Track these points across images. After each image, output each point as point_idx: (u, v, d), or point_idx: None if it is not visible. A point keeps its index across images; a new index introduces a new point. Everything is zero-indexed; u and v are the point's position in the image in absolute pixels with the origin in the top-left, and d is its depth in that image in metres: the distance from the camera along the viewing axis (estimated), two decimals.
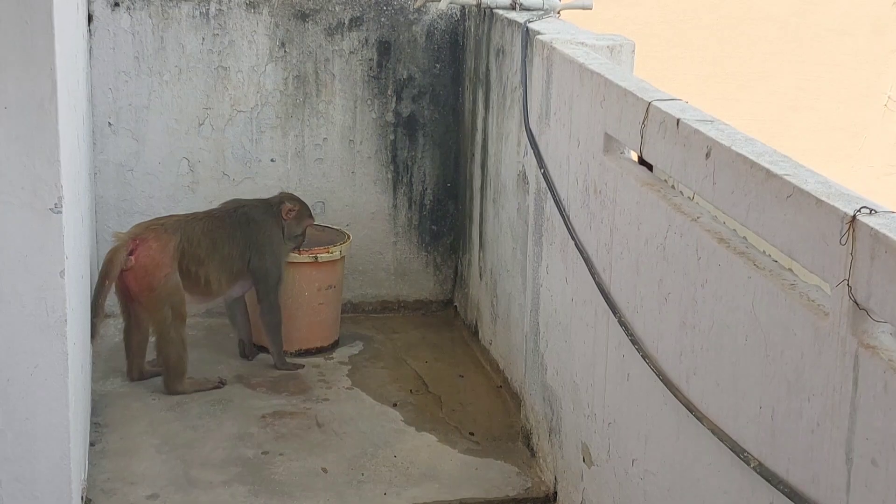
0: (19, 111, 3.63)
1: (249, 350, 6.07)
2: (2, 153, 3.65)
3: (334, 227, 6.46)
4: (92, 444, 5.07)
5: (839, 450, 2.78)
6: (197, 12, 6.26)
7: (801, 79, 8.51)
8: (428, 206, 6.76)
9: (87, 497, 4.61)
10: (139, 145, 6.32)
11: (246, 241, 5.76)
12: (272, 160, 6.49)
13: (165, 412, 5.44)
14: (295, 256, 6.04)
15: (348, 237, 6.31)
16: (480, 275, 6.31)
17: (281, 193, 6.04)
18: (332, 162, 6.57)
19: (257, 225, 5.79)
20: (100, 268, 5.53)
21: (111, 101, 6.24)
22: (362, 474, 4.97)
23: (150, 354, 5.72)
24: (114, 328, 6.32)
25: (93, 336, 5.30)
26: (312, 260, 6.06)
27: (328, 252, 6.11)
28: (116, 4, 6.16)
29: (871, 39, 8.58)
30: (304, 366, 5.98)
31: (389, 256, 6.77)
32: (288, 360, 5.97)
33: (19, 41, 3.59)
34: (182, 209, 6.40)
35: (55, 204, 3.72)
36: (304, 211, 5.94)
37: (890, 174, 8.90)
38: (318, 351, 6.18)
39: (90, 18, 6.12)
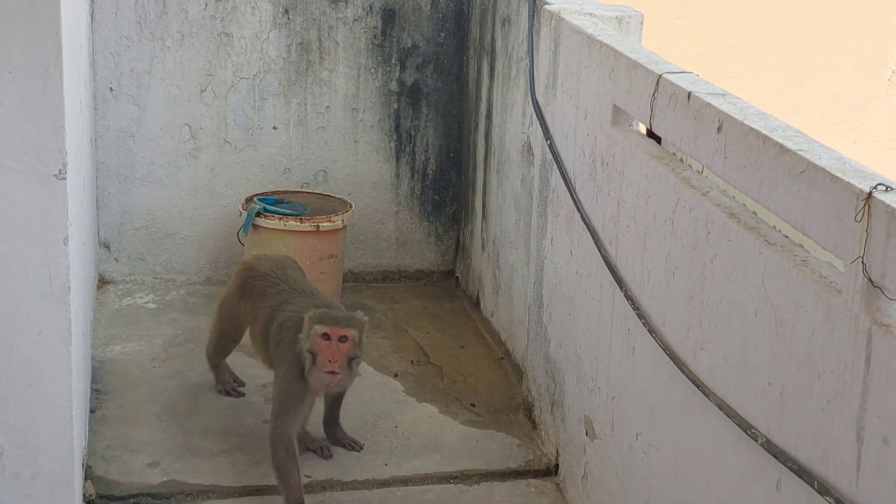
0: (24, 76, 3.58)
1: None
2: (6, 118, 3.61)
3: (336, 195, 6.42)
4: (92, 412, 5.05)
5: (850, 428, 2.77)
6: None
7: (804, 52, 8.47)
8: (430, 176, 6.72)
9: (87, 464, 4.59)
10: (140, 111, 6.27)
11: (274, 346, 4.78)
12: (274, 128, 6.44)
13: (166, 380, 5.43)
14: (296, 225, 6.01)
15: (350, 206, 6.28)
16: (483, 246, 6.28)
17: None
18: (335, 130, 6.53)
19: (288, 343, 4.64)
20: None
21: (113, 66, 6.19)
22: (364, 443, 4.96)
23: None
24: (113, 295, 6.31)
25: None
26: (314, 229, 6.03)
27: (330, 221, 6.08)
28: None
29: (875, 13, 8.53)
30: None
31: (391, 226, 6.74)
32: None
33: (24, 4, 3.54)
34: (183, 176, 6.38)
35: (59, 170, 3.68)
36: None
37: (892, 149, 8.87)
38: None
39: None
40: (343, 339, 4.45)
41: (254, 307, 4.91)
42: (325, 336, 4.43)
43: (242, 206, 6.16)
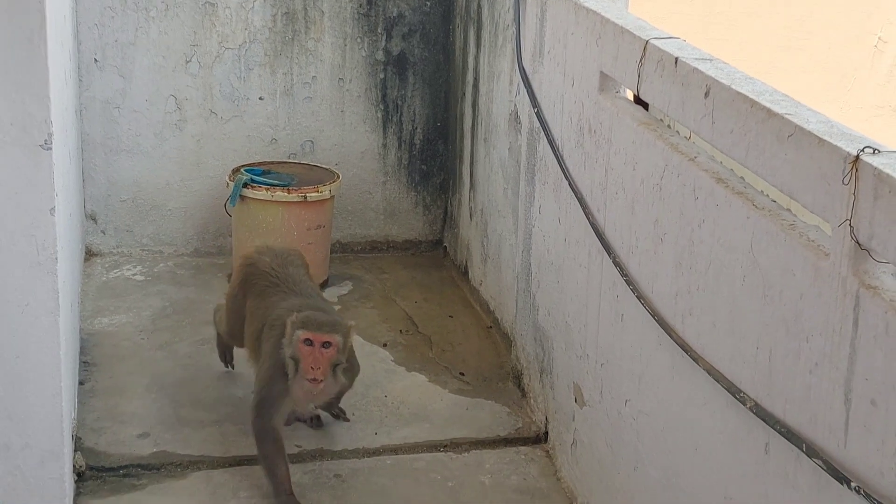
0: (7, 45, 3.56)
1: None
2: None
3: (323, 166, 6.41)
4: (81, 384, 5.05)
5: (838, 390, 2.78)
6: None
7: (791, 19, 8.45)
8: (418, 146, 6.71)
9: (77, 435, 4.59)
10: (125, 82, 6.24)
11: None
12: (260, 98, 6.42)
13: (155, 351, 5.42)
14: (284, 196, 5.99)
15: (337, 176, 6.26)
16: (471, 215, 6.28)
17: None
18: (321, 100, 6.50)
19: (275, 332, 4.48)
20: None
21: (97, 37, 6.15)
22: (353, 414, 4.97)
23: None
24: (100, 267, 6.29)
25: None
26: (301, 199, 6.02)
27: (317, 191, 6.07)
28: None
29: None
30: None
31: (379, 196, 6.73)
32: None
33: None
34: (170, 148, 6.35)
35: (45, 140, 3.66)
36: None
37: (879, 116, 8.87)
38: None
39: None
40: (326, 344, 4.22)
41: (252, 305, 4.69)
42: (308, 342, 4.22)
43: (229, 177, 6.14)
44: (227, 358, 5.21)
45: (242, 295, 4.78)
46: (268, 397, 4.37)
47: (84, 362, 5.25)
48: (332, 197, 6.20)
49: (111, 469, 4.49)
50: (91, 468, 4.47)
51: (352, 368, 4.59)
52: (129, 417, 4.84)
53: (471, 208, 6.28)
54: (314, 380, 4.23)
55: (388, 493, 4.42)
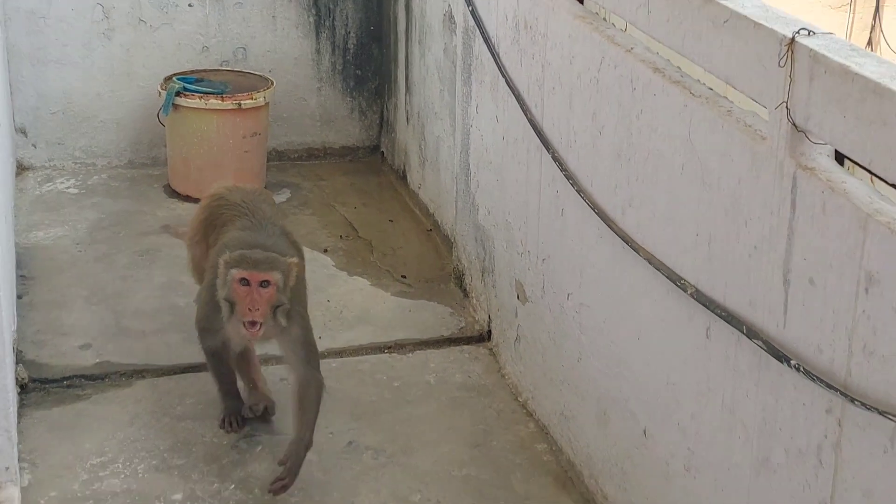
0: None
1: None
2: None
3: (256, 73, 6.33)
4: (19, 297, 5.00)
5: (776, 272, 2.82)
6: None
7: None
8: (352, 51, 6.64)
9: (17, 349, 4.56)
10: None
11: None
12: (190, 5, 6.30)
13: (93, 263, 5.37)
14: (218, 104, 5.92)
15: (271, 83, 6.19)
16: (407, 119, 6.25)
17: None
18: (252, 6, 6.40)
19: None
20: None
21: None
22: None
23: None
24: (33, 181, 6.20)
25: None
26: (236, 107, 5.95)
27: (251, 98, 6.00)
28: None
29: None
30: None
31: (314, 103, 6.67)
32: None
33: None
34: (98, 57, 6.24)
35: None
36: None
37: (810, 12, 8.91)
38: None
39: None
40: (264, 283, 3.83)
41: (215, 239, 4.24)
42: (244, 281, 3.82)
43: (161, 87, 6.05)
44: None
45: (203, 233, 4.37)
46: (206, 330, 4.10)
47: (21, 276, 5.19)
48: (267, 104, 6.14)
49: (54, 380, 4.46)
50: (34, 380, 4.44)
51: (299, 312, 4.03)
52: (70, 329, 4.81)
53: (407, 112, 6.24)
54: (252, 323, 3.82)
55: (335, 395, 4.44)
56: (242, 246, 3.95)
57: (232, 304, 3.87)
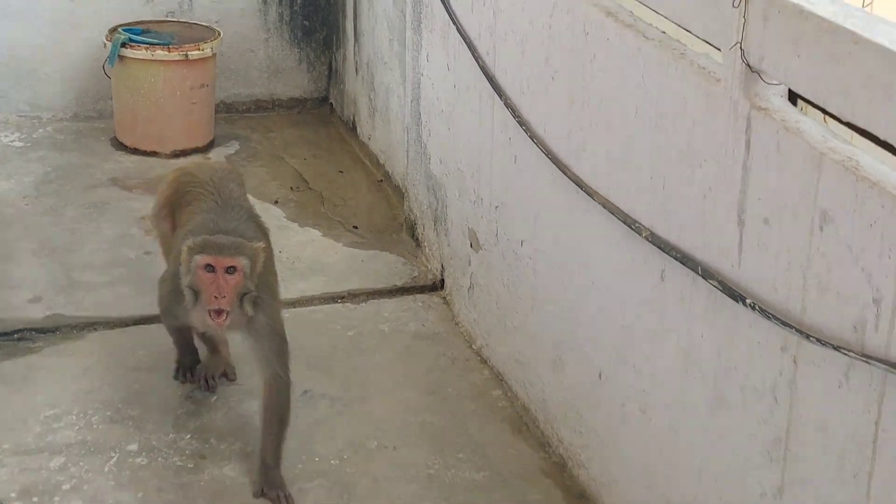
0: None
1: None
2: None
3: (202, 24, 6.26)
4: None
5: (731, 212, 2.84)
6: None
7: None
8: (299, 1, 6.58)
9: None
10: None
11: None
12: None
13: (40, 216, 5.31)
14: (164, 55, 5.86)
15: (218, 34, 6.13)
16: (356, 69, 6.21)
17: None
18: None
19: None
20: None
21: None
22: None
23: None
24: None
25: None
26: (182, 58, 5.89)
27: (198, 49, 5.94)
28: None
29: None
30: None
31: (261, 54, 6.61)
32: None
33: None
34: (42, 8, 6.16)
35: None
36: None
37: None
38: (194, 151, 6.07)
39: None
40: (230, 269, 3.65)
41: (181, 218, 4.08)
42: (209, 268, 3.64)
43: (107, 38, 5.97)
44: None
45: (168, 211, 4.17)
46: (167, 308, 3.96)
47: None
48: (214, 55, 6.08)
49: (4, 334, 4.42)
50: None
51: (267, 301, 3.82)
52: (19, 282, 4.76)
53: (356, 62, 6.20)
54: (218, 311, 3.63)
55: (290, 344, 4.42)
56: (207, 231, 3.77)
57: (196, 292, 3.68)
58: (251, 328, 3.77)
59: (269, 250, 3.91)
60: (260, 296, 3.74)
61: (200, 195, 4.03)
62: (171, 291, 3.84)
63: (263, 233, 4.06)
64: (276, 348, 3.80)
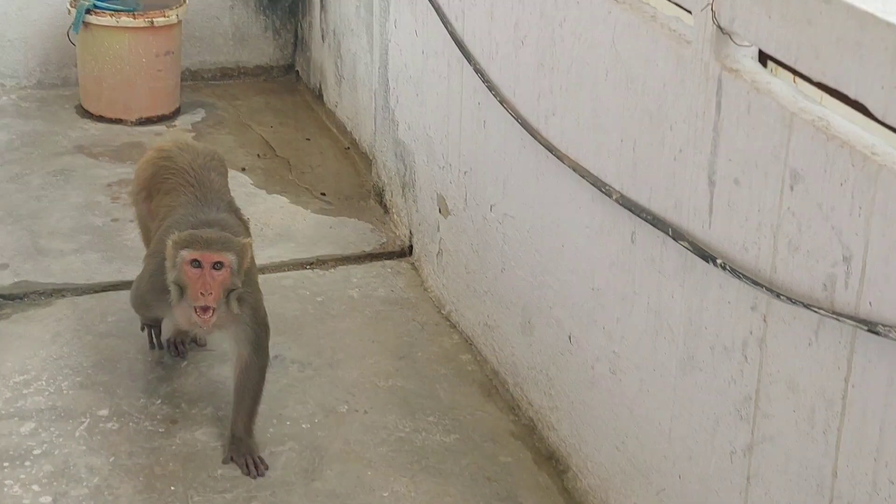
0: None
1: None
2: None
3: None
4: None
5: (702, 174, 2.87)
6: None
7: None
8: None
9: None
10: None
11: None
12: None
13: (6, 184, 5.27)
14: (130, 21, 5.82)
15: (184, 1, 6.09)
16: (323, 37, 6.19)
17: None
18: None
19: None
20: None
21: None
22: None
23: None
24: None
25: None
26: (148, 24, 5.85)
27: (164, 16, 5.90)
28: None
29: None
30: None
31: (227, 21, 6.57)
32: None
33: None
34: None
35: None
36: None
37: None
38: (160, 119, 6.04)
39: None
40: (218, 265, 3.56)
41: (157, 203, 4.03)
42: (195, 263, 3.55)
43: (71, 4, 5.92)
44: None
45: (147, 193, 4.10)
46: (142, 306, 3.99)
47: None
48: (180, 22, 6.04)
49: None
50: None
51: (253, 296, 3.78)
52: None
53: (322, 30, 6.18)
54: (205, 308, 3.55)
55: None
56: (191, 225, 3.70)
57: (182, 289, 3.58)
58: (237, 327, 3.72)
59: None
60: (245, 292, 3.68)
61: (179, 185, 3.95)
62: (152, 290, 3.76)
63: (245, 226, 4.00)
64: (258, 336, 3.77)
